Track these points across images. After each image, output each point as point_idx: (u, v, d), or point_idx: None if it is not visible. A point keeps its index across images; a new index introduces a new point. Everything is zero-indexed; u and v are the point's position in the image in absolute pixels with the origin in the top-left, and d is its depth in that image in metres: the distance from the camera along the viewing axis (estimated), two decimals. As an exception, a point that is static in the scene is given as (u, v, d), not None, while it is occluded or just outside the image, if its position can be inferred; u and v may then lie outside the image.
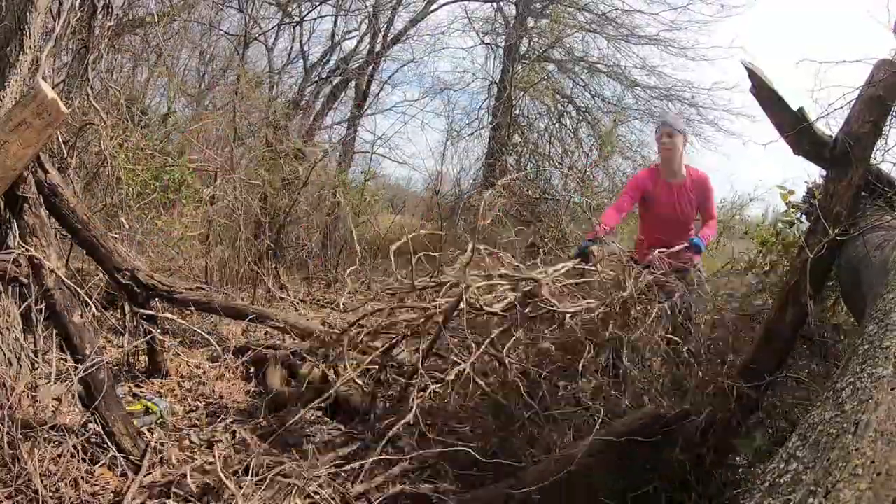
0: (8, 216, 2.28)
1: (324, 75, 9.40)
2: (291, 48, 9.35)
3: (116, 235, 3.53)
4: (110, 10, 3.30)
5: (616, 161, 9.07)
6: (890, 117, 1.97)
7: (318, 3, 9.21)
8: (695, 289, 2.72)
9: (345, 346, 2.77)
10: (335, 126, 9.74)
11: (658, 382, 2.43)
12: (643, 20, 9.26)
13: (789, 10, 19.48)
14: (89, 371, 2.24)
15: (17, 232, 2.29)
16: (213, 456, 2.35)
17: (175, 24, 7.09)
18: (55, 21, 2.73)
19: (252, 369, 3.56)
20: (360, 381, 2.83)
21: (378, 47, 9.41)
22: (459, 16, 9.70)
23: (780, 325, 2.03)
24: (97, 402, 2.27)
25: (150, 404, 2.67)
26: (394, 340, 2.78)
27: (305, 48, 9.39)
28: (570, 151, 9.12)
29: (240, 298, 5.31)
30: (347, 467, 2.21)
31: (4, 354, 2.31)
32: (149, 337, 3.09)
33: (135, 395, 2.90)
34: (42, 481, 1.94)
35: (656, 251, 2.67)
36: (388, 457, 2.28)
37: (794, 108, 2.04)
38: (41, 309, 2.32)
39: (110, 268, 3.12)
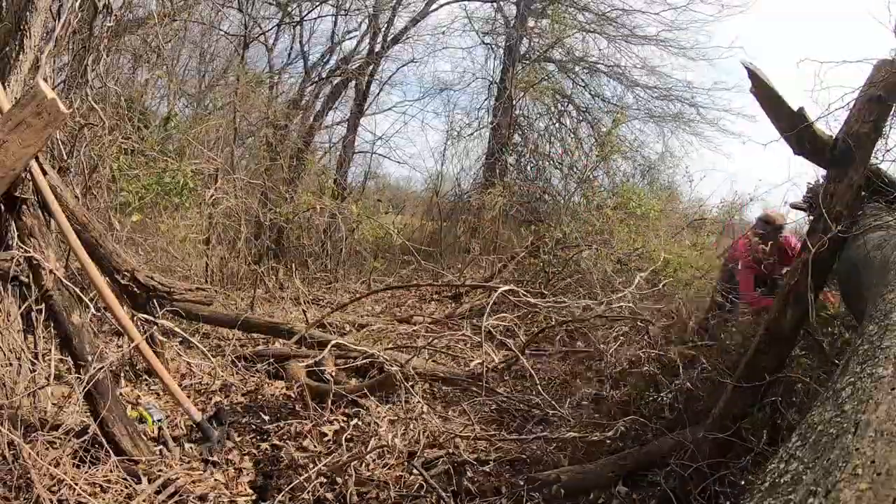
0: (7, 217, 2.28)
1: (324, 75, 9.38)
2: (291, 48, 9.34)
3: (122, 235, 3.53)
4: (110, 10, 3.30)
5: (616, 161, 9.08)
6: (890, 117, 1.97)
7: (318, 3, 9.20)
8: None
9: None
10: (335, 126, 9.74)
11: None
12: (643, 20, 9.27)
13: (789, 11, 19.47)
14: (89, 372, 2.24)
15: (16, 233, 2.29)
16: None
17: (175, 24, 7.08)
18: (55, 21, 2.73)
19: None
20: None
21: (378, 47, 9.41)
22: (459, 16, 9.71)
23: (780, 325, 2.03)
24: (96, 403, 2.26)
25: (145, 413, 2.66)
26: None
27: (305, 48, 9.38)
28: (570, 151, 9.13)
29: (239, 299, 5.32)
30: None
31: (4, 354, 2.31)
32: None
33: (136, 402, 2.89)
34: (42, 482, 1.94)
35: None
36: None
37: (795, 108, 2.04)
38: (41, 309, 2.32)
39: (110, 269, 3.12)
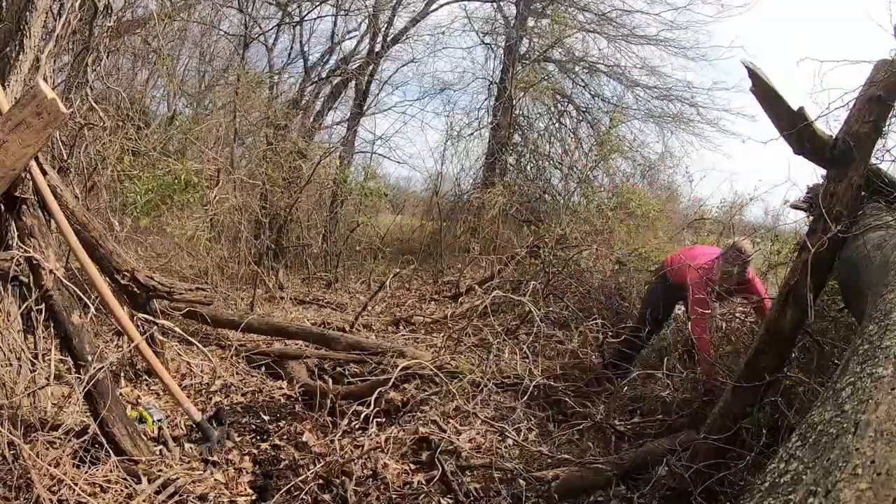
0: (7, 217, 2.28)
1: (324, 75, 9.38)
2: (291, 48, 9.33)
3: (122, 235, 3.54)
4: (110, 10, 3.29)
5: (616, 161, 9.06)
6: (890, 117, 1.97)
7: (318, 3, 9.20)
8: None
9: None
10: (335, 126, 9.74)
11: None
12: (643, 20, 9.27)
13: (789, 11, 19.48)
14: (89, 372, 2.24)
15: (16, 233, 2.29)
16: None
17: (175, 24, 7.08)
18: (55, 21, 2.73)
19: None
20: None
21: (378, 47, 9.40)
22: (459, 16, 9.69)
23: (780, 325, 2.03)
24: (96, 403, 2.26)
25: (145, 413, 2.66)
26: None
27: (305, 48, 9.38)
28: (570, 151, 9.12)
29: (239, 299, 5.32)
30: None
31: (4, 354, 2.31)
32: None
33: (136, 402, 2.89)
34: (42, 482, 1.94)
35: None
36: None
37: (794, 107, 2.04)
38: (41, 309, 2.32)
39: (110, 269, 3.12)
